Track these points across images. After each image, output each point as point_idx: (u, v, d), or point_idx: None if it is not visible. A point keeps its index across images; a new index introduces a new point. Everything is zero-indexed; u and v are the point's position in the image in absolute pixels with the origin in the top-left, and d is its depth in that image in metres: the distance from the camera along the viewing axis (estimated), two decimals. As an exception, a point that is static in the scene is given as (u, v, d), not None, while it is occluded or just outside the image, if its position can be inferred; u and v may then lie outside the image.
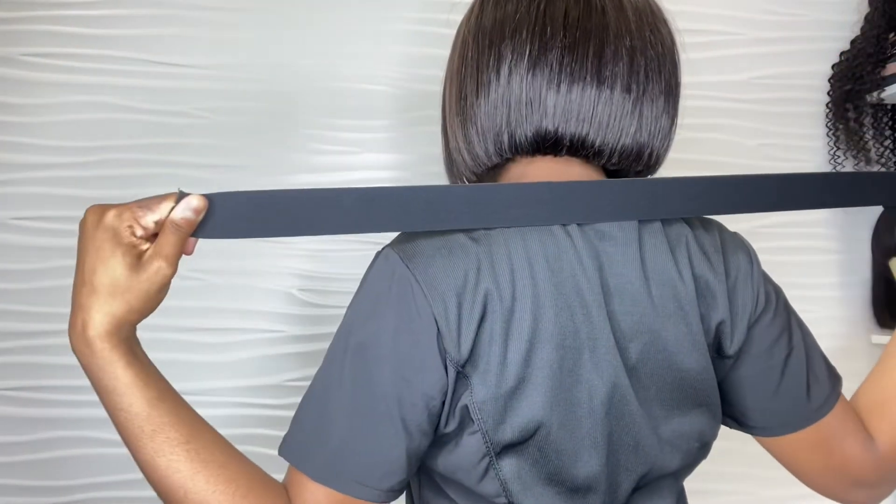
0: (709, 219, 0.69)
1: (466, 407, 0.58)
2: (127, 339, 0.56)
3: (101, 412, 1.29)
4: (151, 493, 1.30)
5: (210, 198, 0.56)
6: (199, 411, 1.21)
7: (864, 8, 1.30)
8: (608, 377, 0.60)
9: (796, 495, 1.34)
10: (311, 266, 1.21)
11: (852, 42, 1.31)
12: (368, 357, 0.57)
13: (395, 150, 1.24)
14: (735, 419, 0.71)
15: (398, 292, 0.57)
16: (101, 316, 0.55)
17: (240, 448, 1.27)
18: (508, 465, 0.59)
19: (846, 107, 1.30)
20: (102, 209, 0.54)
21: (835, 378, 0.70)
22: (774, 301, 0.68)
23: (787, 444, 0.69)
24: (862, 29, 1.29)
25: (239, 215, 0.57)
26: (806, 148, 1.33)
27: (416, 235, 0.60)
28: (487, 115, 0.64)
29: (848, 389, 1.42)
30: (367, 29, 1.24)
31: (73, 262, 1.24)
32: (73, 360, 1.29)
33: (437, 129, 1.26)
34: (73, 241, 1.20)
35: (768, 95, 1.33)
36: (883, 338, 1.28)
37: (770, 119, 1.33)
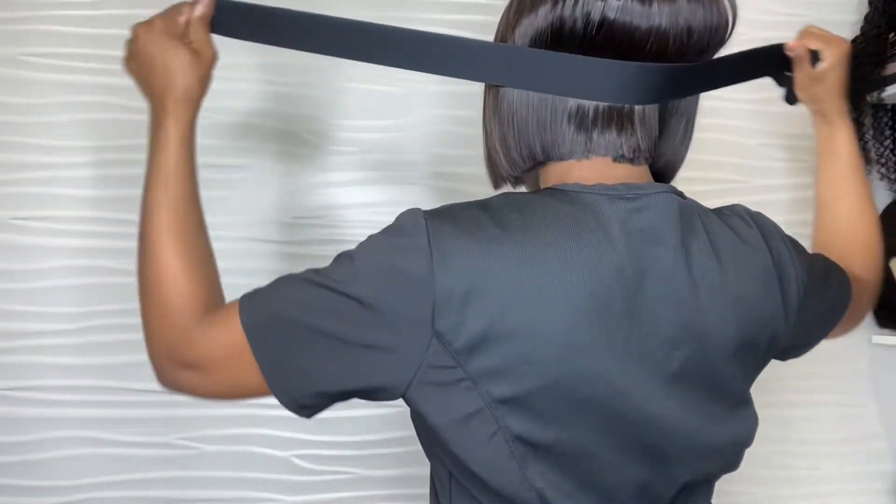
0: (733, 207, 0.70)
1: (481, 409, 0.57)
2: (194, 118, 0.77)
3: (101, 412, 1.30)
4: (151, 493, 1.30)
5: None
6: (199, 411, 1.21)
7: (864, 8, 1.30)
8: (650, 387, 0.59)
9: (797, 495, 1.35)
10: (310, 266, 1.21)
11: (852, 42, 1.30)
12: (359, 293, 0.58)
13: (395, 150, 1.24)
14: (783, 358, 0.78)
15: (408, 256, 0.57)
16: (185, 83, 0.71)
17: (239, 448, 1.27)
18: (538, 471, 0.58)
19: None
20: (148, 23, 0.70)
21: (845, 278, 0.78)
22: (808, 269, 0.69)
23: None
24: (862, 29, 1.29)
25: (235, 19, 0.73)
26: (806, 148, 1.33)
27: (450, 213, 0.59)
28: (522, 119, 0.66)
29: (848, 390, 1.42)
30: (367, 29, 1.23)
31: (72, 262, 1.25)
32: (73, 360, 1.30)
33: (438, 129, 1.27)
34: (74, 241, 1.21)
35: (768, 95, 1.33)
36: (883, 338, 1.28)
37: (770, 119, 1.33)
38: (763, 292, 0.64)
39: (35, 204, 1.18)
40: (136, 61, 0.71)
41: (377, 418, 1.22)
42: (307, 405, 0.60)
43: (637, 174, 0.64)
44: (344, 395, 0.60)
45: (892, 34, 1.26)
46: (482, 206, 0.60)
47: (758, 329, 0.64)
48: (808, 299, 0.68)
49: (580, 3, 0.59)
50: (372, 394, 0.59)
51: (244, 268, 1.21)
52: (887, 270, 1.28)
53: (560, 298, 0.56)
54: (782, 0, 1.33)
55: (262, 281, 1.20)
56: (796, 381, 1.31)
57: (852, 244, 0.85)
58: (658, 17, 0.59)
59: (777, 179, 1.32)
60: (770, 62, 0.82)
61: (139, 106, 1.21)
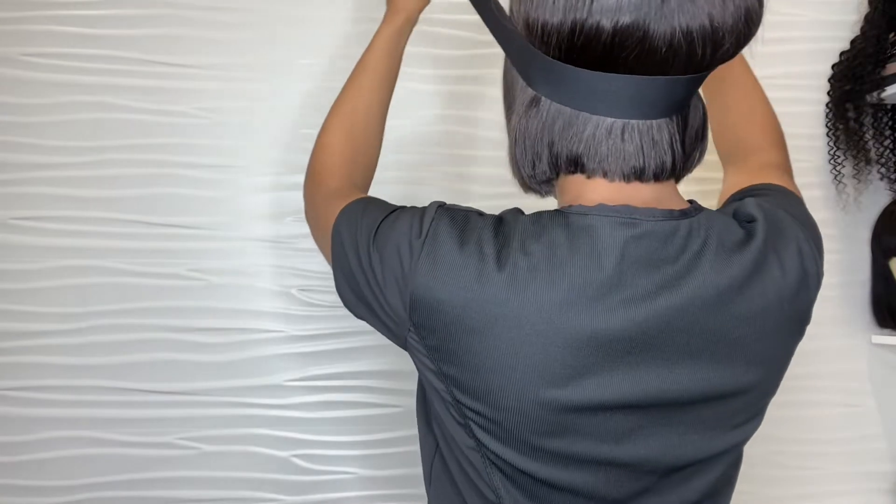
0: (742, 213, 0.63)
1: (449, 403, 0.58)
2: (405, 24, 0.88)
3: (101, 412, 1.30)
4: (151, 493, 1.30)
5: None
6: (199, 411, 1.21)
7: (864, 8, 1.30)
8: (624, 423, 0.58)
9: (796, 495, 1.35)
10: (311, 266, 1.21)
11: (852, 42, 1.30)
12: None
13: (398, 150, 1.24)
14: None
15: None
16: (399, 6, 0.88)
17: (239, 448, 1.27)
18: (498, 477, 0.59)
19: (846, 107, 1.30)
20: None
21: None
22: (820, 256, 0.64)
23: None
24: (862, 29, 1.29)
25: None
26: (806, 148, 1.33)
27: (461, 223, 0.59)
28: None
29: (848, 390, 1.42)
30: (365, 29, 1.24)
31: (72, 262, 1.25)
32: (73, 360, 1.30)
33: (439, 129, 1.27)
34: (73, 241, 1.21)
35: (768, 95, 1.33)
36: (883, 338, 1.28)
37: (770, 119, 1.33)
38: (770, 324, 0.60)
39: (35, 204, 1.18)
40: None
41: (377, 418, 1.22)
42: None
43: (662, 192, 0.60)
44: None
45: (892, 34, 1.26)
46: (497, 228, 0.58)
47: (766, 354, 0.61)
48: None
49: (594, 7, 0.51)
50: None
51: (244, 268, 1.21)
52: (887, 270, 1.29)
53: (533, 329, 0.54)
54: (782, 0, 1.33)
55: (262, 281, 1.21)
56: (796, 380, 1.31)
57: (751, 122, 0.84)
58: (679, 15, 0.51)
59: (777, 179, 1.32)
60: None
61: (139, 106, 1.22)
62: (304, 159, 1.23)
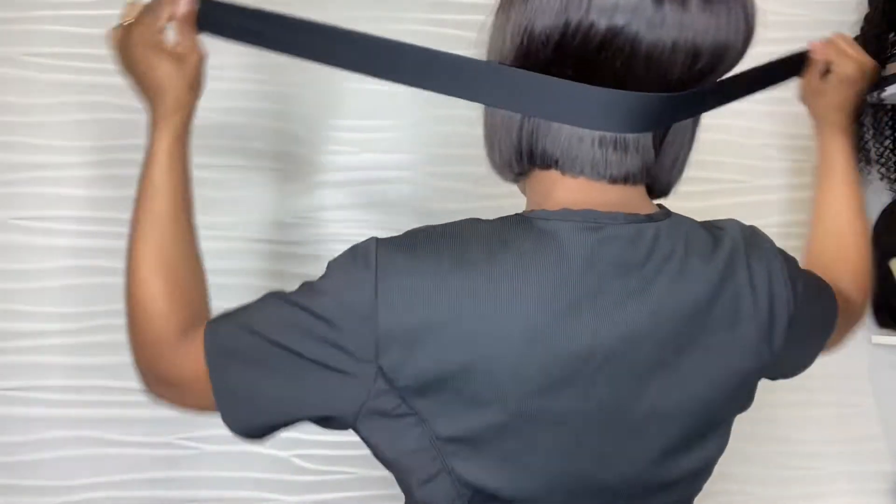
0: (724, 231, 0.64)
1: (426, 447, 0.56)
2: (185, 125, 0.72)
3: (101, 412, 1.29)
4: (151, 493, 1.29)
5: None
6: (199, 411, 1.20)
7: (864, 8, 1.30)
8: (609, 427, 0.58)
9: (796, 495, 1.35)
10: (310, 267, 1.21)
11: (852, 42, 1.31)
12: (301, 325, 0.57)
13: (395, 150, 1.24)
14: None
15: (353, 285, 0.56)
16: (172, 93, 0.69)
17: (239, 448, 1.26)
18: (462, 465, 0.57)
19: (846, 107, 1.30)
20: (125, 32, 0.71)
21: (832, 299, 0.75)
22: (797, 297, 0.64)
23: None
24: (862, 29, 1.29)
25: (222, 17, 0.69)
26: (806, 148, 1.33)
27: (408, 244, 0.57)
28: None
29: (848, 390, 1.42)
30: (366, 28, 1.23)
31: (73, 262, 1.25)
32: (73, 360, 1.30)
33: (440, 129, 1.27)
34: (74, 241, 1.21)
35: (768, 95, 1.33)
36: (883, 338, 1.28)
37: (770, 119, 1.33)
38: (735, 335, 0.60)
39: (35, 204, 1.18)
40: (123, 70, 0.72)
41: (377, 418, 1.22)
42: (256, 435, 0.60)
43: (630, 196, 0.61)
44: (294, 422, 0.60)
45: (892, 34, 1.26)
46: (446, 234, 0.57)
47: (729, 367, 0.61)
48: (793, 329, 0.64)
49: (592, 6, 0.53)
50: (323, 421, 0.59)
51: (243, 268, 1.21)
52: (887, 270, 1.28)
53: (511, 335, 0.53)
54: (782, 0, 1.33)
55: (262, 281, 1.21)
56: (796, 381, 1.30)
57: (843, 261, 0.84)
58: (667, 27, 0.53)
59: (779, 179, 1.32)
60: (788, 67, 0.80)
61: (139, 106, 1.21)
62: (306, 159, 1.23)
